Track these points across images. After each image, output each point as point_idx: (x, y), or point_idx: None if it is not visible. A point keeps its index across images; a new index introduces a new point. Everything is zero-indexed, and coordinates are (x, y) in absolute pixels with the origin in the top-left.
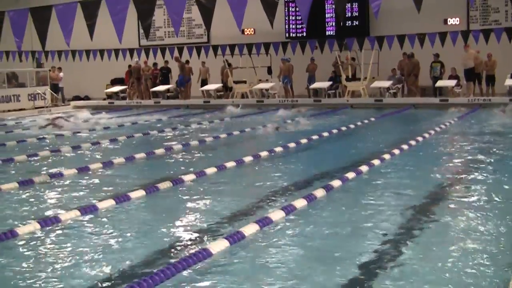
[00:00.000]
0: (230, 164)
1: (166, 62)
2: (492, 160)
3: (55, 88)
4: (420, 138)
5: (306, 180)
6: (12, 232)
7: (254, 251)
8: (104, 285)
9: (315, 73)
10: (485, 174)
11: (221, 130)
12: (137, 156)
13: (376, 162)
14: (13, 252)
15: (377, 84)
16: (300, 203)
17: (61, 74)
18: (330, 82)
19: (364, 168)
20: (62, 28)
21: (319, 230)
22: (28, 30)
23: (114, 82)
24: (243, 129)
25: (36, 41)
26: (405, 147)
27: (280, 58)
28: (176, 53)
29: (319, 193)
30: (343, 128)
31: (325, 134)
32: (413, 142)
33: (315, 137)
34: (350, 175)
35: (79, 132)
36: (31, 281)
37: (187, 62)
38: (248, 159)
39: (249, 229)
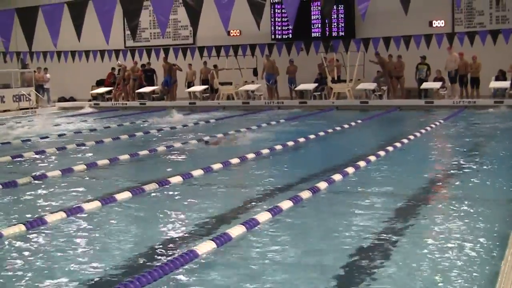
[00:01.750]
0: (217, 166)
1: (149, 63)
2: (478, 160)
3: (41, 89)
4: (405, 140)
5: (292, 181)
6: None
7: (240, 253)
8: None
9: (295, 74)
10: (470, 175)
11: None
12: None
13: (362, 164)
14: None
15: (362, 86)
16: (286, 204)
17: (48, 75)
18: (316, 84)
19: (350, 170)
20: (49, 29)
21: (304, 232)
22: (13, 31)
23: (100, 83)
24: (226, 131)
25: (21, 42)
26: (390, 148)
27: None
28: (162, 55)
29: (305, 194)
30: (329, 130)
31: (312, 136)
32: (398, 144)
33: (301, 139)
34: (337, 177)
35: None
36: (17, 284)
37: (175, 65)
38: (234, 161)
39: (236, 230)
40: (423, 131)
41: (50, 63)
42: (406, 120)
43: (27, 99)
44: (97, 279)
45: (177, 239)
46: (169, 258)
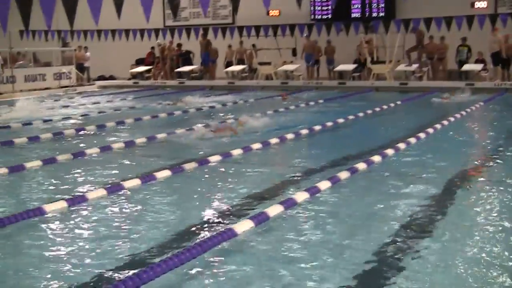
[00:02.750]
0: (256, 145)
1: (188, 50)
2: None
3: (81, 68)
4: (445, 122)
5: (330, 162)
6: (40, 209)
7: (277, 232)
8: (128, 262)
9: (333, 55)
10: (509, 159)
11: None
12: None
13: (401, 145)
14: (40, 229)
15: (402, 67)
16: (324, 184)
17: (88, 53)
18: (355, 65)
19: (389, 151)
20: (90, 7)
21: (342, 212)
22: (54, 9)
23: (139, 62)
24: (265, 112)
25: (63, 20)
26: (430, 130)
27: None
28: (201, 34)
29: (343, 175)
30: (368, 111)
31: (350, 117)
32: (438, 126)
33: (340, 120)
34: (376, 158)
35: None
36: (59, 254)
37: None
38: (273, 141)
39: (274, 210)
40: (463, 113)
41: (90, 41)
42: (446, 102)
43: (68, 77)
44: (136, 256)
45: (215, 217)
46: (207, 236)
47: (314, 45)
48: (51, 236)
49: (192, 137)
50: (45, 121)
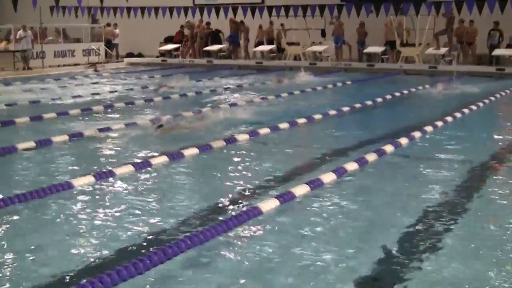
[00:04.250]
0: (283, 125)
1: (217, 29)
2: None
3: (110, 44)
4: (474, 107)
5: (358, 143)
6: (68, 183)
7: (303, 212)
8: (155, 237)
9: (365, 37)
10: None
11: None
12: None
13: (429, 128)
14: (68, 203)
15: (432, 50)
16: (351, 166)
17: (117, 30)
18: (384, 47)
19: (417, 134)
20: None
21: (368, 194)
22: None
23: (168, 40)
24: (291, 92)
25: None
26: (458, 114)
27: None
28: (230, 13)
29: (371, 157)
30: (397, 94)
31: (379, 99)
32: (466, 110)
33: (368, 102)
34: (403, 140)
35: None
36: (86, 229)
37: (242, 22)
38: (301, 121)
39: (300, 189)
40: (492, 98)
41: (119, 19)
42: (475, 87)
43: (96, 53)
44: (163, 232)
45: (241, 196)
46: (233, 214)
47: (342, 26)
48: (77, 210)
49: (219, 113)
50: (73, 97)
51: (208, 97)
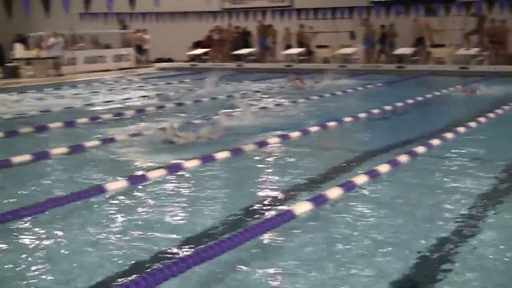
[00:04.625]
0: (314, 128)
1: (244, 28)
2: None
3: (140, 50)
4: (506, 107)
5: (389, 145)
6: (101, 188)
7: (336, 215)
8: (186, 241)
9: (394, 38)
10: None
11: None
12: None
13: (461, 129)
14: (101, 207)
15: (462, 51)
16: (383, 168)
17: (147, 36)
18: (414, 48)
19: (448, 135)
20: None
21: (401, 196)
22: None
23: (197, 45)
24: (322, 94)
25: (121, 3)
26: (491, 115)
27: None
28: (259, 17)
29: (403, 158)
30: (427, 95)
31: (409, 101)
32: (499, 111)
33: (398, 104)
34: (435, 142)
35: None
36: (119, 233)
37: (270, 25)
38: (331, 123)
39: (333, 192)
40: None
41: (148, 24)
42: (507, 87)
43: (127, 59)
44: (196, 236)
45: (273, 199)
46: (266, 217)
47: (372, 29)
48: (110, 215)
49: (249, 117)
50: (105, 102)
51: (238, 100)
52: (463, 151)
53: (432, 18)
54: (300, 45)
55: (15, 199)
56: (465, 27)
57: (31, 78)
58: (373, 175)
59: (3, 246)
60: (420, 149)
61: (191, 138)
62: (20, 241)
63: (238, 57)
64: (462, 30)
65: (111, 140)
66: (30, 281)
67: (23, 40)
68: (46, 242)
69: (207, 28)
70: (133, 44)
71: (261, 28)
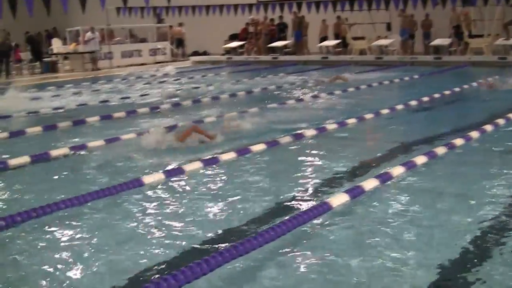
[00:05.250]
0: (351, 120)
1: (281, 17)
2: None
3: (180, 43)
4: None
5: (426, 137)
6: (139, 181)
7: (372, 206)
8: (224, 234)
9: (430, 29)
10: None
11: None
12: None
13: (501, 121)
14: (138, 200)
15: (501, 41)
16: (420, 159)
17: (183, 29)
18: (450, 40)
19: (488, 127)
20: None
21: (438, 189)
22: None
23: (233, 37)
24: (358, 86)
25: None
26: None
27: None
28: (294, 8)
29: (440, 150)
30: (465, 87)
31: (446, 92)
32: None
33: (436, 95)
34: (473, 134)
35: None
36: (156, 226)
37: (303, 17)
38: (368, 115)
39: (369, 184)
40: None
41: (184, 17)
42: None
43: (163, 53)
44: (233, 229)
45: (310, 190)
46: (302, 209)
47: (410, 21)
48: (148, 207)
49: (286, 109)
50: (142, 95)
51: (274, 93)
52: (502, 143)
53: (470, 8)
54: (336, 37)
55: (55, 192)
56: (504, 17)
57: (68, 72)
58: (410, 166)
59: (47, 236)
60: (459, 141)
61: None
62: (59, 233)
63: (274, 50)
64: (500, 20)
65: (147, 133)
66: (68, 274)
67: (50, 35)
68: (85, 235)
69: (242, 21)
70: (174, 38)
71: (297, 20)
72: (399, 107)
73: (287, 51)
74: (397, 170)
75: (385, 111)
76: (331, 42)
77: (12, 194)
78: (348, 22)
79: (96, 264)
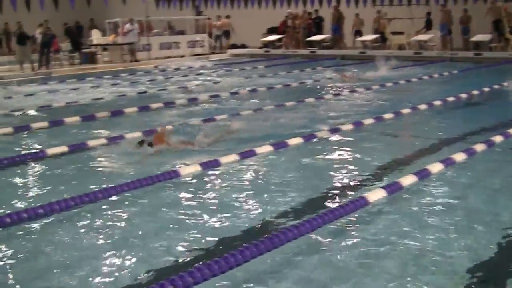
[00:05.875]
0: (388, 115)
1: (316, 11)
2: None
3: (214, 36)
4: None
5: (465, 134)
6: (176, 172)
7: (410, 202)
8: (261, 227)
9: (469, 24)
10: None
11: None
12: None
13: None
14: (176, 190)
15: None
16: (459, 156)
17: (221, 22)
18: (491, 35)
19: None
20: None
21: (476, 186)
22: None
23: (271, 31)
24: (397, 81)
25: None
26: None
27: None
28: (333, 3)
29: (479, 147)
30: (505, 84)
31: (486, 89)
32: None
33: (475, 92)
34: None
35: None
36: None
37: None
38: (406, 111)
39: (407, 180)
40: None
41: (223, 10)
42: None
43: (201, 45)
44: (269, 222)
45: (347, 186)
46: (339, 204)
47: (449, 15)
48: (183, 199)
49: (323, 103)
50: (180, 87)
51: (311, 87)
52: None
53: (510, 4)
54: (375, 31)
55: (91, 181)
56: None
57: (107, 63)
58: (449, 163)
59: (78, 225)
60: (498, 138)
61: (181, 146)
62: (90, 223)
63: (311, 44)
64: None
65: (184, 125)
66: (102, 261)
67: (92, 27)
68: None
69: (281, 14)
70: (222, 29)
71: (336, 14)
72: (437, 102)
73: (325, 45)
74: (436, 167)
75: (423, 107)
76: (370, 37)
77: (50, 183)
78: (387, 17)
79: (134, 252)
